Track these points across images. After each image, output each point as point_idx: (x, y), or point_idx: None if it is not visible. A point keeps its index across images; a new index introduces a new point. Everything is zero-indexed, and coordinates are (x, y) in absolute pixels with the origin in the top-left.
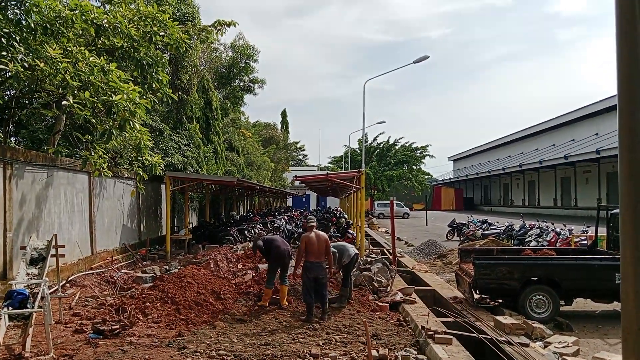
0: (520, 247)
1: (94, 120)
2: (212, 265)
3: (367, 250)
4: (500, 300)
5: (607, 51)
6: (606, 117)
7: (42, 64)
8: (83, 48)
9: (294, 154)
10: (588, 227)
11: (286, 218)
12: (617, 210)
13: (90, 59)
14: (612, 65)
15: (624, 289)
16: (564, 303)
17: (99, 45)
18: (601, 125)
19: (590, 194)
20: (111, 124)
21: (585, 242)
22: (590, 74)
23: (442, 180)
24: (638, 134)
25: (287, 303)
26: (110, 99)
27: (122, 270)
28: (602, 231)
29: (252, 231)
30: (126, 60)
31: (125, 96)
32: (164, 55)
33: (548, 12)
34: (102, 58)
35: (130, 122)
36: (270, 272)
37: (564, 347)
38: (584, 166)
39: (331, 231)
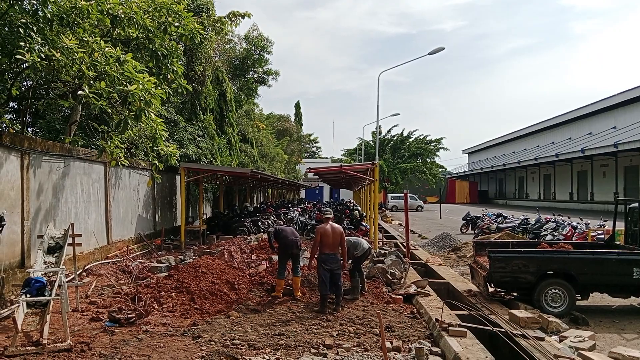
0: (536, 240)
1: (110, 111)
2: (226, 256)
3: (381, 243)
4: (515, 294)
5: (624, 44)
6: (624, 110)
7: (59, 54)
8: (99, 38)
9: (307, 146)
10: (605, 221)
11: (299, 210)
12: (635, 204)
13: (106, 49)
14: (630, 57)
15: None
16: (580, 297)
17: (114, 36)
18: (619, 118)
19: (607, 188)
20: (127, 114)
21: (602, 236)
22: (607, 66)
23: (457, 173)
24: None
25: (300, 294)
26: (126, 89)
27: (138, 260)
28: (620, 226)
29: (266, 222)
30: (141, 51)
31: (140, 86)
32: (179, 46)
33: (563, 5)
34: (117, 48)
35: (146, 112)
36: (279, 263)
37: (579, 341)
38: (601, 160)
39: (344, 223)
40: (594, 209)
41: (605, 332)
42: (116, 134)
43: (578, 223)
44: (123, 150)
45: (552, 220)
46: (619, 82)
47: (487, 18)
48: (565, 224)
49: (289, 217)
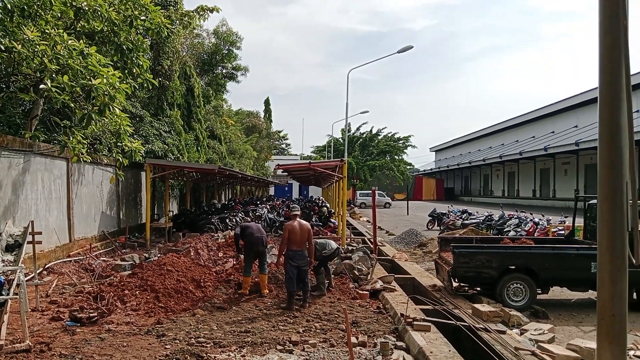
0: (499, 236)
1: (73, 105)
2: (192, 254)
3: (349, 239)
4: (478, 289)
5: (588, 45)
6: (586, 110)
7: (20, 46)
8: (62, 31)
9: (276, 142)
10: (566, 217)
11: (268, 207)
12: (594, 201)
13: (69, 42)
14: (592, 58)
15: (599, 276)
16: (540, 291)
17: (78, 29)
18: (581, 117)
19: (568, 185)
20: (90, 108)
21: (563, 232)
22: (571, 67)
23: (424, 170)
24: (617, 124)
25: (267, 291)
26: (90, 83)
27: (101, 258)
28: (580, 221)
29: (234, 220)
30: (106, 44)
31: (104, 80)
32: (145, 40)
33: (531, 6)
34: (81, 41)
35: (110, 107)
36: (245, 260)
37: (539, 334)
38: (563, 158)
39: (313, 220)
40: (555, 205)
41: (564, 325)
42: (79, 129)
43: (540, 219)
44: (86, 146)
45: (515, 216)
46: (581, 82)
47: (458, 17)
48: (528, 220)
49: (257, 214)
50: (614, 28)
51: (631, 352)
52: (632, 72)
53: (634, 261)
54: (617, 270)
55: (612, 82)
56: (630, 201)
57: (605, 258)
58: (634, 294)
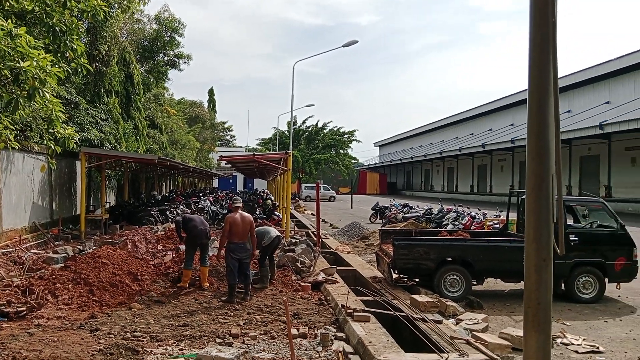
0: (438, 229)
1: None
2: (129, 246)
3: (293, 232)
4: (417, 280)
5: (523, 46)
6: (521, 109)
7: None
8: None
9: (221, 134)
10: (501, 211)
11: (211, 199)
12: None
13: None
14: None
15: (526, 265)
16: (475, 282)
17: (6, 8)
18: (516, 116)
19: (504, 181)
20: (19, 92)
21: (498, 225)
22: (508, 66)
23: (368, 165)
24: (545, 119)
25: (208, 284)
26: (18, 65)
27: (32, 250)
28: (514, 216)
29: (175, 212)
30: (37, 25)
31: (34, 63)
32: (80, 22)
33: (472, 6)
34: (9, 21)
35: (40, 92)
36: (187, 253)
37: (474, 323)
38: (500, 154)
39: (257, 213)
40: (492, 200)
41: (497, 314)
42: (6, 114)
43: (476, 213)
44: (14, 132)
45: (453, 210)
46: (518, 81)
47: (402, 14)
48: (465, 214)
49: (200, 206)
50: (543, 25)
51: (558, 340)
52: (564, 74)
53: (558, 252)
54: (542, 261)
55: (540, 78)
56: (556, 195)
57: (531, 248)
58: (562, 284)
